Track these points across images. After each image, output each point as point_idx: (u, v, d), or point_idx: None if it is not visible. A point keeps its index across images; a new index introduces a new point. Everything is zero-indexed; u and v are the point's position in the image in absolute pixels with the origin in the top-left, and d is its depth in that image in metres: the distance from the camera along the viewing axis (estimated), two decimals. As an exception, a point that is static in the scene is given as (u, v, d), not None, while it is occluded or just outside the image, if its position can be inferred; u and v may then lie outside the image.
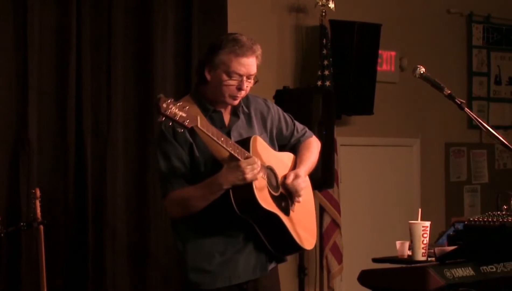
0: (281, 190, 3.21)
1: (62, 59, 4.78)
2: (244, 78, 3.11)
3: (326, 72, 5.77)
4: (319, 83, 5.76)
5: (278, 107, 3.40)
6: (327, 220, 5.84)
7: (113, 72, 4.95)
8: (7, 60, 4.65)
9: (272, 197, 3.14)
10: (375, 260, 4.04)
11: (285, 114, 3.41)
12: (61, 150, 4.77)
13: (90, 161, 4.84)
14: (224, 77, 3.10)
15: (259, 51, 3.15)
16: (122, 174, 4.94)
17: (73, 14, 4.80)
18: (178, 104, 2.82)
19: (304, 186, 3.24)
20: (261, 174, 3.05)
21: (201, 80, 3.18)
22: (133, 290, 4.97)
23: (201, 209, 3.08)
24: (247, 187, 3.02)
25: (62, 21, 4.79)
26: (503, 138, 3.12)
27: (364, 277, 3.46)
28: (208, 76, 3.14)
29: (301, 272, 5.79)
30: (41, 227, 4.28)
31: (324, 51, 5.79)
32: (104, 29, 4.95)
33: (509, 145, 3.12)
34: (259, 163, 3.02)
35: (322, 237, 5.84)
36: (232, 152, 3.01)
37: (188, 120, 2.83)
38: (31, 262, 4.48)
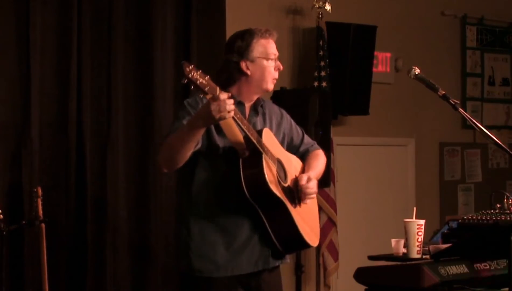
0: (289, 183, 3.25)
1: (64, 59, 4.81)
2: (277, 58, 3.29)
3: (323, 73, 5.81)
4: (316, 84, 5.80)
5: (290, 117, 3.49)
6: (323, 218, 5.86)
7: (114, 72, 4.98)
8: (10, 60, 4.68)
9: (280, 185, 3.18)
10: (370, 258, 4.08)
11: (296, 124, 3.51)
12: (63, 149, 4.79)
13: (91, 160, 4.87)
14: (264, 62, 3.25)
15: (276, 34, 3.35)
16: (123, 173, 4.96)
17: (74, 15, 4.83)
18: (200, 71, 2.89)
19: (316, 190, 3.32)
20: (231, 113, 2.99)
21: (232, 79, 3.26)
22: (134, 286, 4.99)
23: (183, 154, 3.05)
24: (258, 169, 3.08)
25: (63, 22, 4.82)
26: (496, 138, 3.14)
27: (360, 274, 3.43)
28: (248, 71, 3.25)
29: (298, 269, 5.84)
30: (43, 225, 4.32)
31: (321, 53, 5.84)
32: (105, 30, 4.98)
33: (502, 145, 3.14)
34: (230, 104, 2.95)
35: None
36: (245, 129, 3.08)
37: (207, 87, 2.90)
38: (33, 259, 4.51)
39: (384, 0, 6.62)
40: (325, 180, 5.56)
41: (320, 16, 5.86)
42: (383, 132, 6.63)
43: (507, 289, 3.12)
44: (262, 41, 3.26)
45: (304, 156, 3.46)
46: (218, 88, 2.93)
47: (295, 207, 3.26)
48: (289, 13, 6.06)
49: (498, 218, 3.77)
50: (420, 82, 3.21)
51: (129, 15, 5.09)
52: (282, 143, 3.38)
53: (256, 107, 3.32)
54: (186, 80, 2.86)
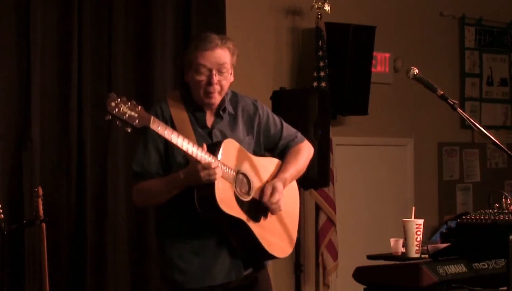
0: (253, 195, 3.11)
1: (64, 59, 4.82)
2: (214, 72, 3.04)
3: (322, 74, 5.82)
4: (315, 84, 5.81)
5: (268, 109, 3.30)
6: (322, 218, 5.89)
7: (114, 72, 4.99)
8: (10, 60, 4.69)
9: (239, 201, 3.04)
10: (369, 257, 4.09)
11: (274, 115, 3.31)
12: (63, 149, 4.81)
13: (92, 160, 4.88)
14: (194, 75, 3.06)
15: (228, 44, 3.08)
16: (123, 173, 4.96)
17: (74, 15, 4.84)
18: (129, 103, 2.77)
19: (282, 201, 3.14)
20: (220, 174, 2.93)
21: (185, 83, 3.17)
22: (134, 286, 5.00)
23: (162, 203, 3.05)
24: (209, 190, 2.94)
25: (64, 22, 4.83)
26: (494, 138, 3.14)
27: (359, 273, 3.41)
28: (186, 79, 3.12)
29: (298, 268, 5.86)
30: (43, 224, 4.33)
31: (320, 53, 5.85)
32: (105, 30, 5.00)
33: (500, 145, 3.14)
34: (218, 167, 2.91)
35: (318, 234, 5.90)
36: (190, 153, 2.93)
37: (137, 120, 2.78)
38: (34, 259, 4.53)
39: (383, 1, 6.64)
40: (325, 180, 5.59)
41: (319, 16, 5.87)
42: (382, 133, 6.65)
43: (505, 288, 3.13)
44: (196, 52, 3.04)
45: (284, 152, 3.30)
46: (152, 118, 2.82)
47: (258, 220, 3.11)
48: (288, 13, 6.07)
49: (497, 218, 3.78)
50: (419, 82, 3.20)
51: (129, 16, 5.10)
52: (257, 140, 3.23)
53: (219, 111, 3.13)
54: (110, 117, 2.75)
